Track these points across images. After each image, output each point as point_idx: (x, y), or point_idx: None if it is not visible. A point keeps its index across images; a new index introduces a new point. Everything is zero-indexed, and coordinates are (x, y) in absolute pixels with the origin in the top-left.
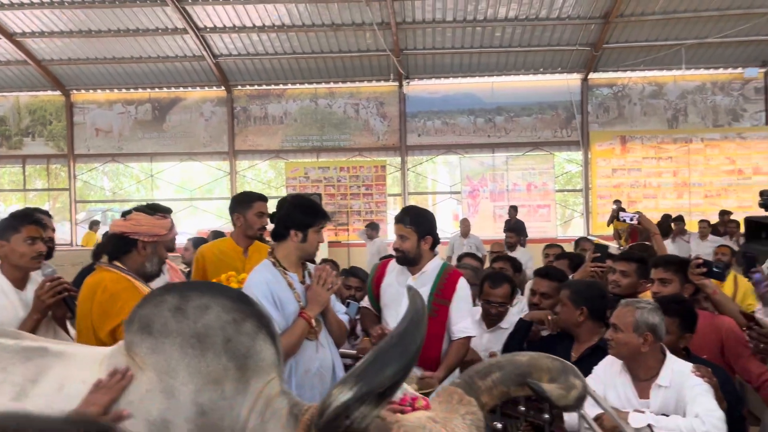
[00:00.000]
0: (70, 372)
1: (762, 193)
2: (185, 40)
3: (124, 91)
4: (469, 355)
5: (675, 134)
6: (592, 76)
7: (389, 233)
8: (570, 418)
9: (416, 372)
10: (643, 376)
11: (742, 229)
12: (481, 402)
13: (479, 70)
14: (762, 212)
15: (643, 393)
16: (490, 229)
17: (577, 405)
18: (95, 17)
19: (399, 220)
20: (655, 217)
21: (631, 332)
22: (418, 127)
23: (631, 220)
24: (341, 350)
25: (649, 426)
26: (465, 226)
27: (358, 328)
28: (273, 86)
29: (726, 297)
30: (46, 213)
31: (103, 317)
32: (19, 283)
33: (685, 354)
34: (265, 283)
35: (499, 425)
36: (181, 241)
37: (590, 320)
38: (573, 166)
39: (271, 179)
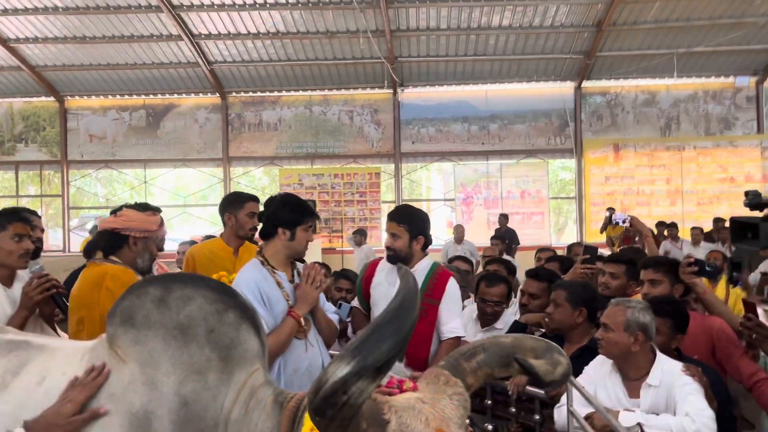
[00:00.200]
0: (52, 365)
1: (747, 193)
2: (180, 46)
3: (118, 97)
4: None
5: (668, 142)
6: (585, 84)
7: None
8: (560, 418)
9: (406, 372)
10: (633, 375)
11: None
12: (467, 383)
13: (473, 78)
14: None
15: (634, 392)
16: (483, 237)
17: (563, 381)
18: (90, 23)
19: (392, 218)
20: (648, 225)
21: (622, 331)
22: (413, 134)
23: (624, 222)
24: (332, 351)
25: (639, 425)
26: (459, 233)
27: (350, 330)
28: (267, 93)
29: (716, 297)
30: (35, 213)
31: None
32: (6, 281)
33: (676, 355)
34: (254, 281)
35: (491, 427)
36: (172, 247)
37: (586, 321)
38: (566, 174)
39: (265, 186)
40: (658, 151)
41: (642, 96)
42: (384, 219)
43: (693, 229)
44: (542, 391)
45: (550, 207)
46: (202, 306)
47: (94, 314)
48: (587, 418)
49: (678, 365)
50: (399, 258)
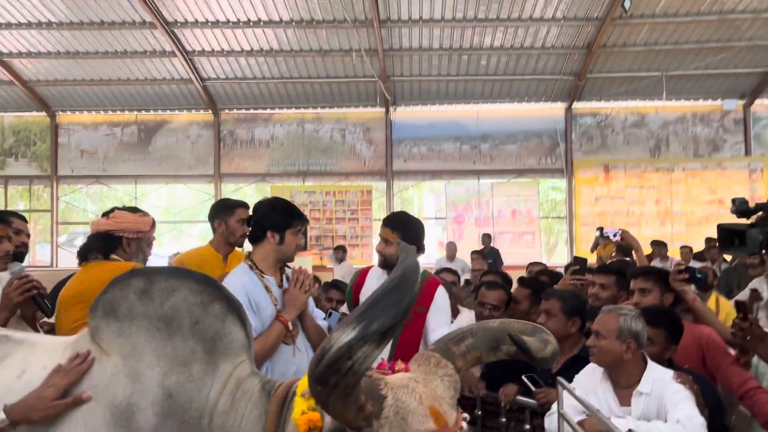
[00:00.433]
0: (32, 358)
1: (734, 201)
2: (173, 63)
3: (110, 112)
4: None
5: (657, 163)
6: (576, 105)
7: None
8: (551, 426)
9: None
10: (624, 383)
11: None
12: (457, 366)
13: (465, 98)
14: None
15: (624, 400)
16: None
17: (552, 358)
18: (83, 38)
19: (386, 223)
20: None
21: (614, 339)
22: (404, 152)
23: (615, 236)
24: None
25: (630, 431)
26: (451, 250)
27: None
28: (260, 110)
29: (706, 306)
30: (21, 217)
31: None
32: None
33: (668, 365)
34: (242, 285)
35: None
36: (159, 262)
37: (579, 331)
38: (557, 194)
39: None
40: (647, 172)
41: (632, 117)
42: (375, 237)
43: (682, 247)
44: (533, 401)
45: (541, 227)
46: (186, 297)
47: None
48: (579, 424)
49: (669, 373)
50: (390, 264)
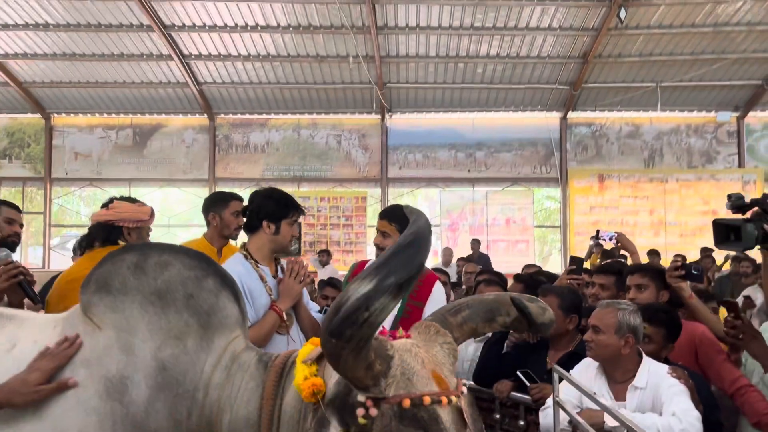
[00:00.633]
0: (23, 333)
1: (730, 196)
2: (170, 66)
3: (105, 115)
4: None
5: (651, 174)
6: (571, 114)
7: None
8: (546, 422)
9: None
10: (619, 378)
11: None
12: (453, 337)
13: (461, 106)
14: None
15: (620, 395)
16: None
17: (550, 325)
18: (80, 40)
19: (384, 215)
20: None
21: (613, 334)
22: (400, 159)
23: (611, 239)
24: None
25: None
26: (446, 256)
27: None
28: (256, 115)
29: (701, 303)
30: (16, 207)
31: None
32: None
33: (664, 362)
34: (237, 274)
35: None
36: None
37: (575, 328)
38: (551, 203)
39: None
40: (641, 182)
41: (626, 128)
42: (369, 243)
43: (676, 256)
44: (527, 396)
45: (535, 235)
46: (180, 272)
47: None
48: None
49: (664, 367)
50: None
